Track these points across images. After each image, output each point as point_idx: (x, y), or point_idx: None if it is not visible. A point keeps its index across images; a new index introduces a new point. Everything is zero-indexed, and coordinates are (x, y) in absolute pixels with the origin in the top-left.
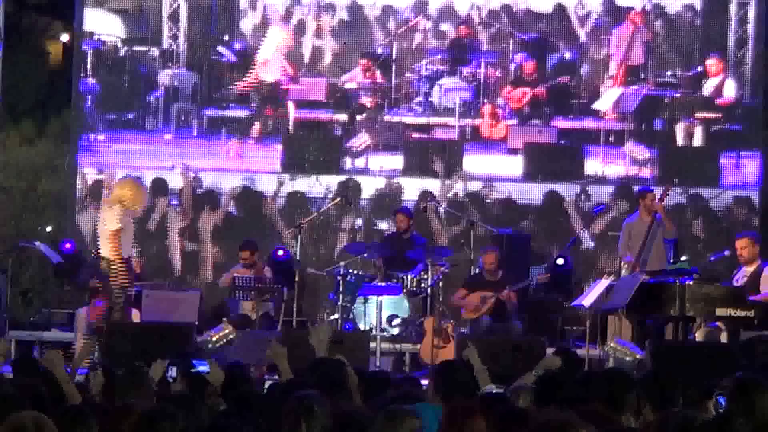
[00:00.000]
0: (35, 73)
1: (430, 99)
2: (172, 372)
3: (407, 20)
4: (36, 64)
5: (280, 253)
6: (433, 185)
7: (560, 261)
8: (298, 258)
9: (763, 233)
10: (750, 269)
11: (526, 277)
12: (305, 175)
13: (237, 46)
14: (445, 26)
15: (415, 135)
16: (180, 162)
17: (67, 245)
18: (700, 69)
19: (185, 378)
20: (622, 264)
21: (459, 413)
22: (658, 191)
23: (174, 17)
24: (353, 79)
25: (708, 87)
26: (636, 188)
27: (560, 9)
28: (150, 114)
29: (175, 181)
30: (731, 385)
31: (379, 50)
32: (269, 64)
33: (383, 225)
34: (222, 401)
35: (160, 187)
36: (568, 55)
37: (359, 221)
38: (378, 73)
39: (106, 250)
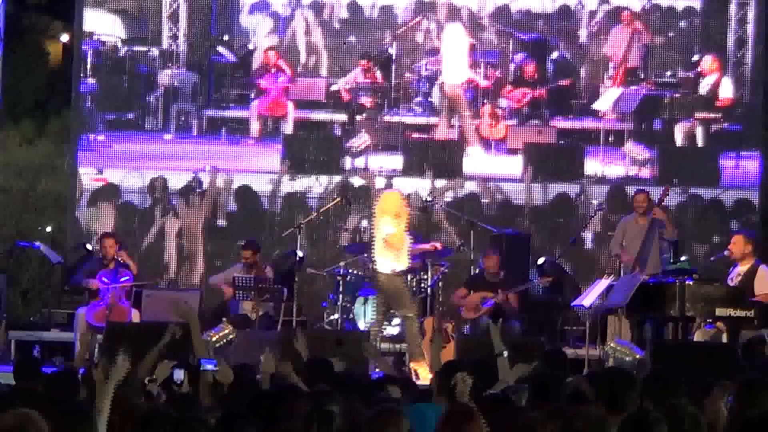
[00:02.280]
0: (35, 73)
1: (429, 99)
2: (180, 374)
3: (407, 20)
4: (36, 64)
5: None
6: (432, 185)
7: (540, 260)
8: (297, 258)
9: (763, 233)
10: (744, 268)
11: (527, 279)
12: (305, 175)
13: (237, 46)
14: (445, 26)
15: (415, 135)
16: (210, 163)
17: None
18: (699, 69)
19: (193, 377)
20: (619, 263)
21: (457, 416)
22: (657, 192)
23: (174, 17)
24: (355, 79)
25: (703, 85)
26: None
27: (560, 9)
28: (150, 114)
29: (205, 181)
30: (738, 384)
31: (380, 50)
32: (458, 65)
33: None
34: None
35: (158, 188)
36: (568, 55)
37: (365, 222)
38: (378, 73)
39: (380, 259)
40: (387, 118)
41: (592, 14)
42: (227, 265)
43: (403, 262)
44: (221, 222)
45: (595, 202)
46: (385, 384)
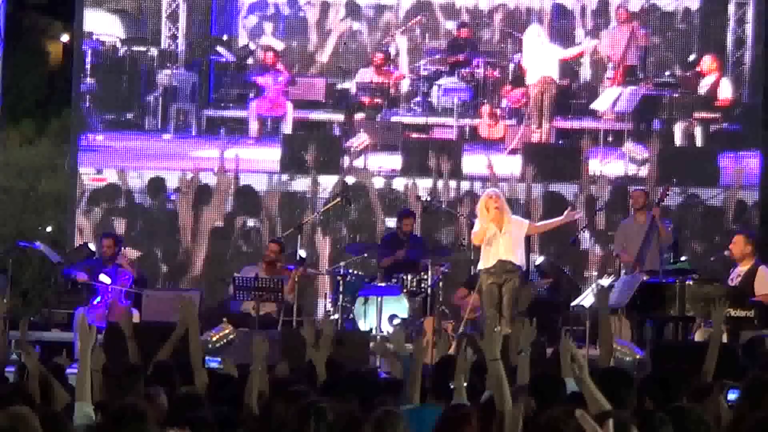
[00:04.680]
0: (35, 73)
1: (428, 99)
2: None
3: (406, 20)
4: (36, 64)
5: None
6: (432, 185)
7: (538, 260)
8: (297, 258)
9: (763, 233)
10: (744, 269)
11: (528, 280)
12: (305, 175)
13: (236, 45)
14: (444, 25)
15: (414, 135)
16: (208, 163)
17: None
18: (698, 69)
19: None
20: (620, 263)
21: (454, 418)
22: (657, 192)
23: (173, 17)
24: (367, 76)
25: (703, 85)
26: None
27: (559, 9)
28: (149, 114)
29: (205, 181)
30: (744, 384)
31: (379, 49)
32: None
33: (390, 224)
34: None
35: (157, 187)
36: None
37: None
38: (395, 64)
39: None
40: (386, 117)
41: (591, 14)
42: (227, 262)
43: (483, 261)
44: (220, 222)
45: (594, 201)
46: (394, 386)
